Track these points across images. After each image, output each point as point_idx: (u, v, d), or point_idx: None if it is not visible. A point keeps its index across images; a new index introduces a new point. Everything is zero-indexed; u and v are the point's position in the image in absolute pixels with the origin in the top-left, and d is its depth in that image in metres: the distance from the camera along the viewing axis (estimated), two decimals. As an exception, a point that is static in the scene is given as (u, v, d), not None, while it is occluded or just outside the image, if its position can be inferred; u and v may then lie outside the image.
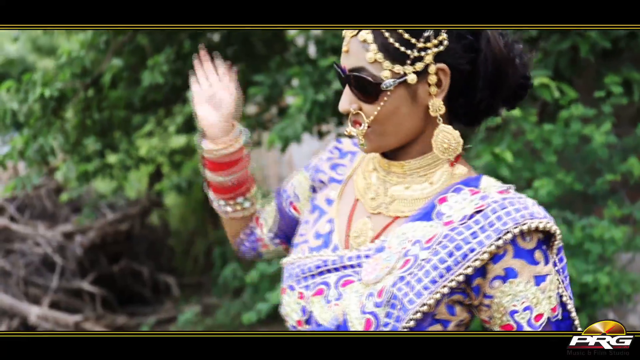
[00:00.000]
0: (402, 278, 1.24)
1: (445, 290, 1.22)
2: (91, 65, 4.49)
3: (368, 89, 1.28)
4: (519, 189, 1.36)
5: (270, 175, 10.12)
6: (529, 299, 1.24)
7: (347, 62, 1.31)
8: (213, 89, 1.58)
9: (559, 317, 1.29)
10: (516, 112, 3.19)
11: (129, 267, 7.05)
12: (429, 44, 1.26)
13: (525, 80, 1.35)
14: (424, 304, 1.22)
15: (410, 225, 1.30)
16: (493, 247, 1.22)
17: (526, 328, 1.25)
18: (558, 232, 1.26)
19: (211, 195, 1.67)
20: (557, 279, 1.29)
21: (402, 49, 1.26)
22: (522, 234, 1.23)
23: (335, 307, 1.30)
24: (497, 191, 1.28)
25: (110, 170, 5.56)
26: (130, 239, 7.35)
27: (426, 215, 1.30)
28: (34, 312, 5.70)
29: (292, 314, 1.38)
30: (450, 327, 1.29)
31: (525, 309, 1.24)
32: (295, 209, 1.61)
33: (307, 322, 1.34)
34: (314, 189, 1.57)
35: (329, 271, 1.33)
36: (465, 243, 1.23)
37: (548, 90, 3.30)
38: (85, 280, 6.50)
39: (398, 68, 1.26)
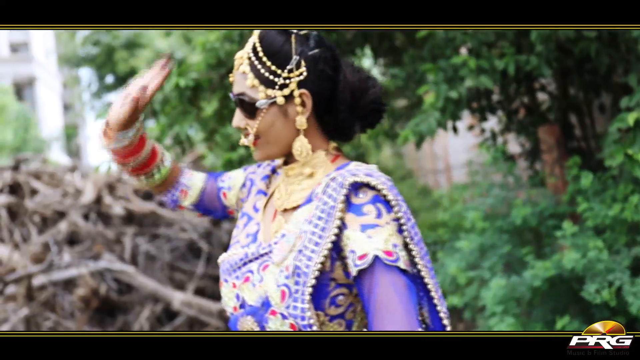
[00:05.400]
0: (300, 251, 1.53)
1: (329, 245, 1.49)
2: (225, 56, 4.47)
3: (248, 108, 1.62)
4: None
5: (427, 168, 9.87)
6: (355, 243, 1.48)
7: (235, 89, 1.65)
8: (142, 81, 1.76)
9: (400, 265, 1.46)
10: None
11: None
12: (292, 74, 1.59)
13: (378, 105, 1.68)
14: (317, 263, 1.49)
15: (300, 210, 1.62)
16: (341, 197, 1.50)
17: (353, 268, 1.47)
18: (384, 190, 1.51)
19: (127, 174, 1.92)
20: (395, 232, 1.50)
21: (271, 77, 1.59)
22: (356, 190, 1.52)
23: (259, 288, 1.58)
24: (354, 166, 1.59)
25: (257, 160, 5.55)
26: (281, 228, 7.30)
27: (309, 200, 1.61)
28: (178, 298, 5.78)
29: (229, 302, 1.65)
30: (356, 290, 1.52)
31: (351, 251, 1.48)
32: (224, 196, 1.93)
33: (241, 306, 1.61)
34: (243, 186, 1.90)
35: (250, 261, 1.63)
36: (323, 204, 1.54)
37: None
38: (232, 268, 6.54)
39: (270, 92, 1.60)
